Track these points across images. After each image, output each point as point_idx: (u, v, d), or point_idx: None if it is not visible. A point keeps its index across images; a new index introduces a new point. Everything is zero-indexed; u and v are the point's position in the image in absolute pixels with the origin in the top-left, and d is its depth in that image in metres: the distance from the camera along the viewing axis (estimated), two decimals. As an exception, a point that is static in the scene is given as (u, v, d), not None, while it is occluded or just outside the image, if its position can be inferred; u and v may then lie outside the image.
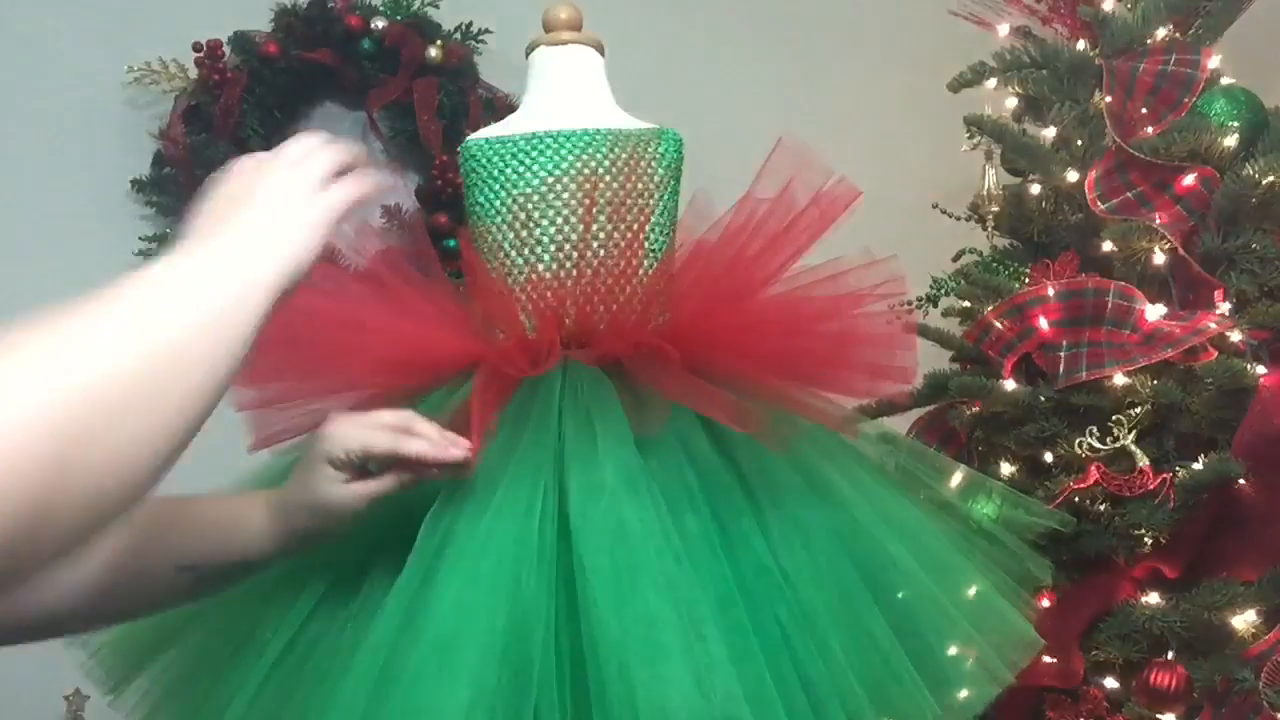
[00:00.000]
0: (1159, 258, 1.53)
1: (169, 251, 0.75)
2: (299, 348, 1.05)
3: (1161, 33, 1.64)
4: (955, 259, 1.78)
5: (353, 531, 0.97)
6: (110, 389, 0.58)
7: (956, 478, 1.24)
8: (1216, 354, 1.45)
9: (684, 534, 0.98)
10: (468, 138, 1.31)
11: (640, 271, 1.22)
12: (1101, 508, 1.47)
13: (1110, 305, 1.52)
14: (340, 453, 0.92)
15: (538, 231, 1.21)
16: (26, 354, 0.55)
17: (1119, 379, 1.48)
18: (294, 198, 0.80)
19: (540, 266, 1.20)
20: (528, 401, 1.06)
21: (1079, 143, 1.64)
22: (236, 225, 0.77)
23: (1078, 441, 1.49)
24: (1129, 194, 1.56)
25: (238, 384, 1.08)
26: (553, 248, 1.21)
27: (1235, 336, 1.46)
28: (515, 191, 1.23)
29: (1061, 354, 1.53)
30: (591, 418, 1.04)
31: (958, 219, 1.77)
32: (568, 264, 1.20)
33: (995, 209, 1.70)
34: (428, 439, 0.94)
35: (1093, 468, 1.46)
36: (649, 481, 0.99)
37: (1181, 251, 1.50)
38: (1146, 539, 1.46)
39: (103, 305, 0.65)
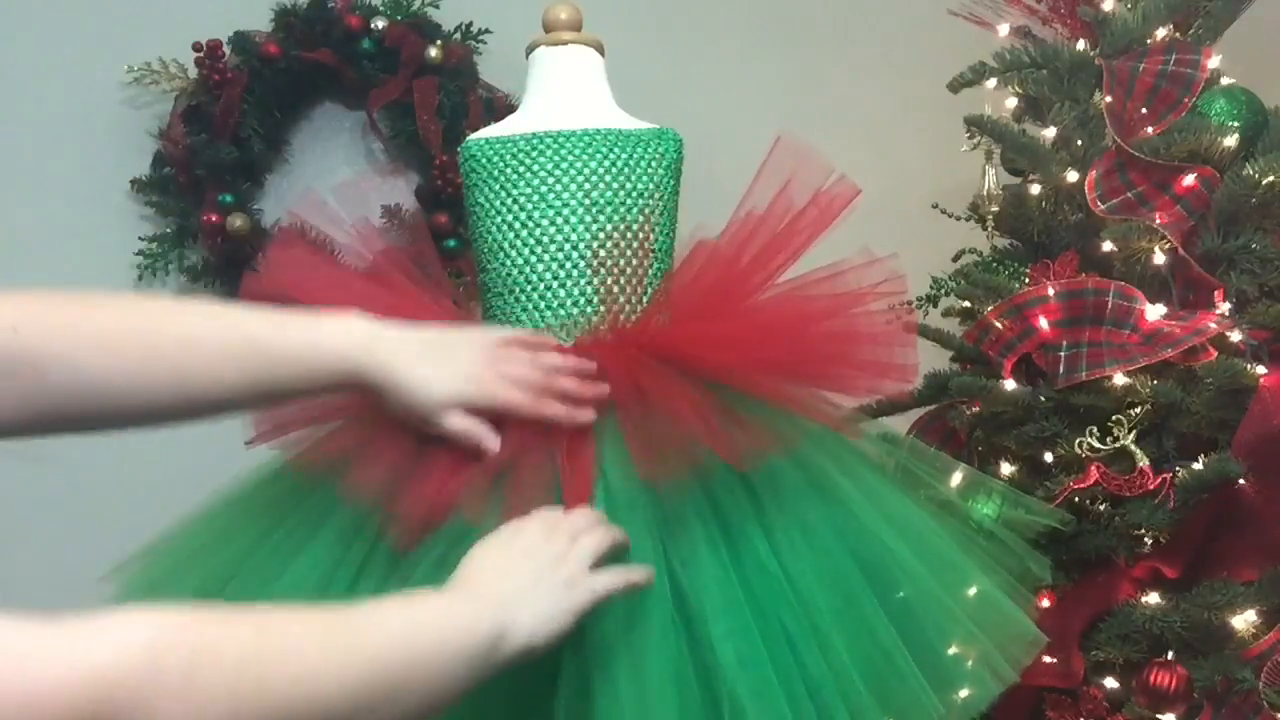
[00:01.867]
0: (1159, 258, 1.53)
1: (433, 597, 0.81)
2: None
3: (1161, 33, 1.64)
4: (955, 259, 1.78)
5: None
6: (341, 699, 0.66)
7: (956, 477, 1.24)
8: (1216, 354, 1.45)
9: (688, 535, 0.98)
10: (468, 138, 1.31)
11: (640, 272, 1.22)
12: (1101, 508, 1.47)
13: (1110, 305, 1.52)
14: (482, 402, 0.94)
15: (538, 231, 1.21)
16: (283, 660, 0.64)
17: (1119, 379, 1.48)
18: (561, 578, 0.85)
19: (540, 267, 1.21)
20: None
21: (1079, 143, 1.64)
22: (498, 591, 0.82)
23: (1078, 441, 1.49)
24: (1129, 194, 1.56)
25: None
26: (553, 248, 1.21)
27: (1235, 336, 1.46)
28: (515, 191, 1.23)
29: (1061, 354, 1.53)
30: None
31: (958, 219, 1.77)
32: (568, 264, 1.20)
33: (995, 209, 1.70)
34: (563, 406, 0.98)
35: (1093, 468, 1.46)
36: (641, 503, 0.99)
37: (1181, 251, 1.50)
38: (1146, 539, 1.46)
39: (353, 625, 0.72)
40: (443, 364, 0.94)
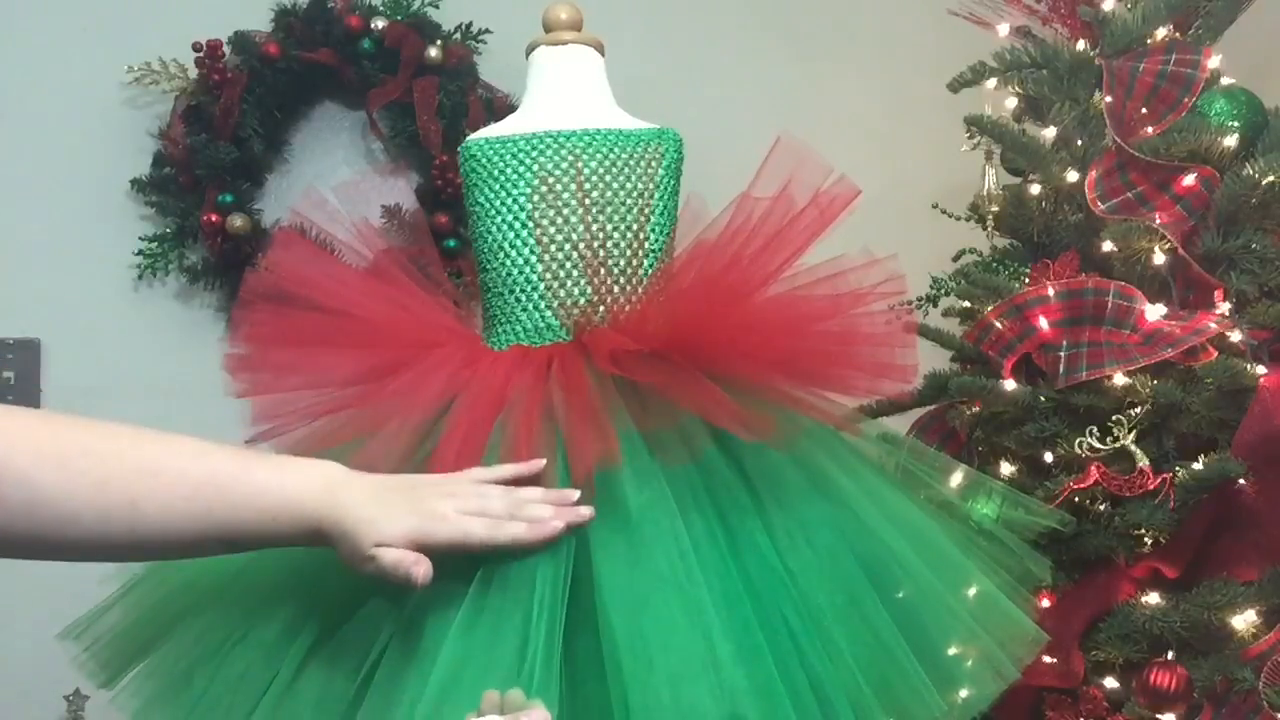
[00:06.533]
0: (1159, 258, 1.53)
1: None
2: (296, 345, 1.06)
3: (1161, 33, 1.64)
4: (955, 259, 1.78)
5: None
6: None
7: (956, 478, 1.24)
8: (1216, 354, 1.45)
9: (690, 532, 0.98)
10: (468, 138, 1.31)
11: (640, 271, 1.22)
12: (1101, 508, 1.47)
13: (1110, 305, 1.52)
14: (429, 538, 0.86)
15: (538, 231, 1.21)
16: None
17: (1119, 379, 1.48)
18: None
19: (540, 267, 1.21)
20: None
21: (1079, 143, 1.64)
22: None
23: (1078, 441, 1.49)
24: (1129, 194, 1.56)
25: (235, 375, 1.09)
26: (553, 248, 1.21)
27: (1235, 336, 1.46)
28: (515, 191, 1.23)
29: (1061, 354, 1.53)
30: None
31: (958, 219, 1.77)
32: (568, 264, 1.20)
33: (995, 209, 1.70)
34: (526, 523, 0.89)
35: (1093, 468, 1.46)
36: (657, 480, 0.99)
37: (1181, 251, 1.50)
38: (1146, 539, 1.46)
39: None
40: (395, 505, 0.87)
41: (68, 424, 0.80)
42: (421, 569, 0.85)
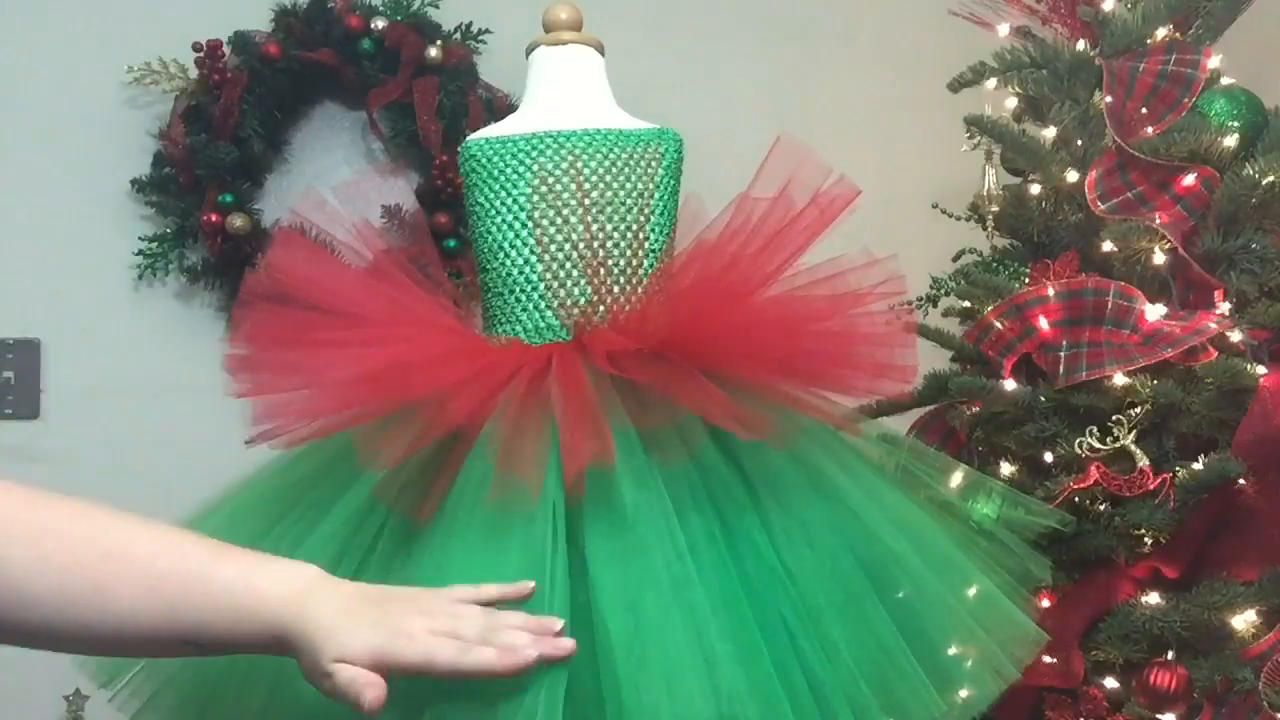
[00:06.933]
0: (1159, 258, 1.53)
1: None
2: (296, 345, 1.06)
3: (1161, 33, 1.63)
4: (955, 259, 1.78)
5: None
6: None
7: (956, 478, 1.24)
8: (1216, 354, 1.45)
9: (687, 531, 0.98)
10: (468, 138, 1.31)
11: (640, 271, 1.22)
12: (1101, 508, 1.47)
13: (1110, 305, 1.52)
14: (392, 658, 0.79)
15: (538, 231, 1.21)
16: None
17: (1119, 379, 1.48)
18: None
19: (540, 267, 1.21)
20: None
21: (1079, 143, 1.64)
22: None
23: (1078, 441, 1.49)
24: (1129, 194, 1.56)
25: (235, 375, 1.09)
26: (553, 248, 1.21)
27: (1235, 336, 1.46)
28: (515, 191, 1.23)
29: (1061, 354, 1.53)
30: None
31: (958, 219, 1.77)
32: (568, 264, 1.20)
33: (995, 209, 1.70)
34: (498, 651, 0.81)
35: (1093, 468, 1.46)
36: (653, 479, 0.99)
37: (1181, 251, 1.50)
38: (1146, 539, 1.46)
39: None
40: (362, 618, 0.80)
41: (41, 502, 0.77)
42: (372, 693, 0.77)
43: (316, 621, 0.79)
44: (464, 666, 0.80)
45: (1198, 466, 1.42)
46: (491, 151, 1.25)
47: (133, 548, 0.78)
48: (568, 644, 0.85)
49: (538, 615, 0.87)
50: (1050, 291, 1.55)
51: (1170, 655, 1.41)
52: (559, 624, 0.86)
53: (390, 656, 0.79)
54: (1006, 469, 1.57)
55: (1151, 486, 1.43)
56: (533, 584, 0.89)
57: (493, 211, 1.24)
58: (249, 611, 0.79)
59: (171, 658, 0.90)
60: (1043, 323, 1.55)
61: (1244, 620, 1.37)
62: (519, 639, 0.83)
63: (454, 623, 0.83)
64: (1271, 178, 1.48)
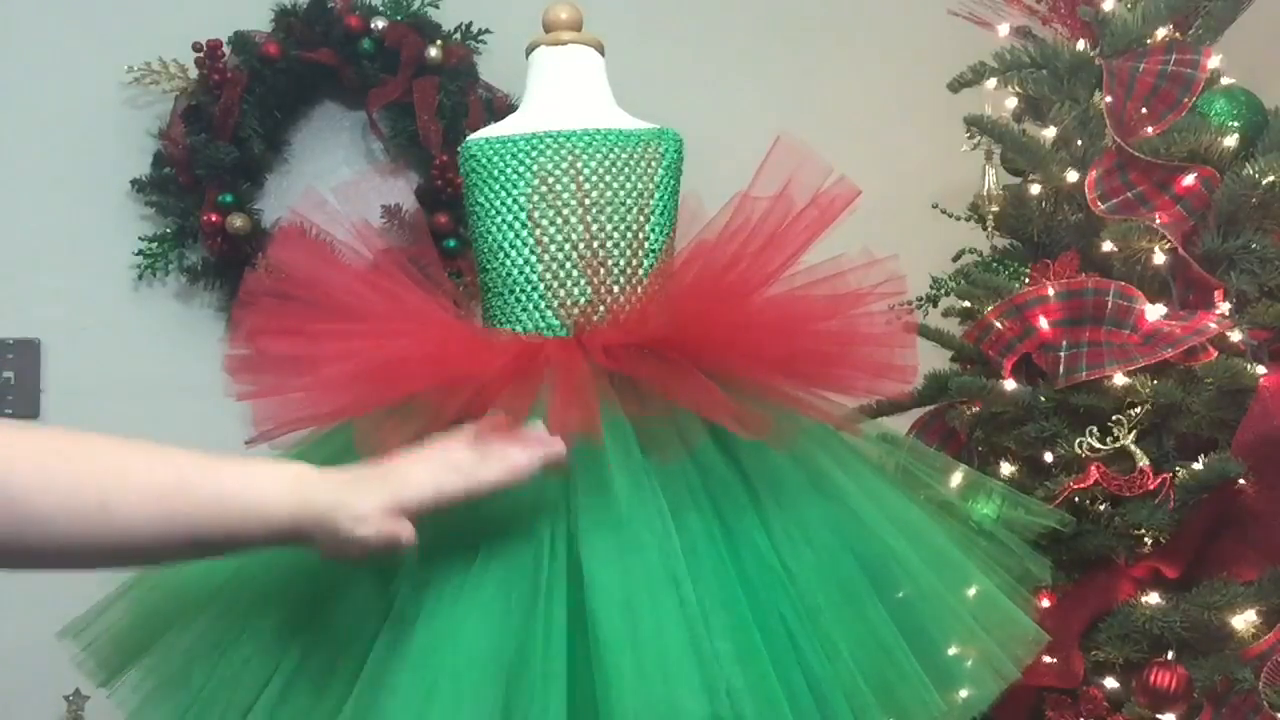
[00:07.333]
0: (1159, 258, 1.53)
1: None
2: (296, 344, 1.06)
3: (1161, 33, 1.64)
4: (955, 259, 1.78)
5: None
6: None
7: (956, 478, 1.24)
8: (1216, 354, 1.45)
9: (686, 531, 0.98)
10: (468, 138, 1.31)
11: (640, 271, 1.22)
12: (1101, 508, 1.47)
13: (1110, 305, 1.52)
14: (412, 499, 0.86)
15: (538, 232, 1.21)
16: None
17: (1119, 379, 1.48)
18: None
19: (540, 267, 1.21)
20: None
21: (1079, 143, 1.64)
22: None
23: (1078, 441, 1.49)
24: (1129, 194, 1.56)
25: (235, 377, 1.09)
26: (553, 248, 1.21)
27: (1235, 336, 1.46)
28: (515, 191, 1.23)
29: (1061, 354, 1.53)
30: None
31: (958, 219, 1.77)
32: (568, 264, 1.20)
33: (995, 209, 1.70)
34: (499, 465, 0.89)
35: (1093, 468, 1.46)
36: (651, 478, 0.99)
37: (1181, 251, 1.50)
38: (1146, 539, 1.46)
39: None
40: (363, 482, 0.86)
41: (43, 431, 0.80)
42: (405, 529, 0.85)
43: (324, 499, 0.84)
44: (473, 487, 0.88)
45: (1198, 466, 1.42)
46: (491, 151, 1.25)
47: (129, 463, 0.81)
48: (558, 444, 0.92)
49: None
50: (1050, 291, 1.55)
51: (1170, 655, 1.41)
52: (541, 427, 0.93)
53: (402, 502, 0.85)
54: (1006, 469, 1.57)
55: (1151, 486, 1.43)
56: (502, 414, 0.94)
57: (492, 211, 1.24)
58: (253, 509, 0.83)
59: (181, 561, 0.95)
60: (1043, 323, 1.55)
61: (1244, 620, 1.37)
62: (513, 452, 0.91)
63: (447, 456, 0.90)
64: (1271, 178, 1.48)
